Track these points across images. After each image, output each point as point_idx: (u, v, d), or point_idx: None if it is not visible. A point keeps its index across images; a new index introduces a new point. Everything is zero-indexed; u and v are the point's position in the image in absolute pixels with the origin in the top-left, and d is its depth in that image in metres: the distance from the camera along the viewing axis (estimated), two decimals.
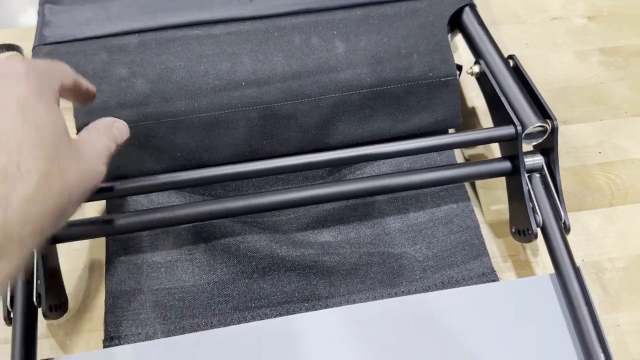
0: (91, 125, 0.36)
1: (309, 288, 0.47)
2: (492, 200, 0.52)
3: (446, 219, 0.50)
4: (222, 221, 0.49)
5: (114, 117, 0.42)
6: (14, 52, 0.62)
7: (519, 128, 0.45)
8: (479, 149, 0.56)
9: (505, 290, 0.44)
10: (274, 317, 0.45)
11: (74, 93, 0.36)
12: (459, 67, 0.52)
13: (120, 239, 0.48)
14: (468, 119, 0.58)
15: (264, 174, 0.46)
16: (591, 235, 0.51)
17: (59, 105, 0.32)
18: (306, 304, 0.46)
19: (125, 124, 0.38)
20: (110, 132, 0.36)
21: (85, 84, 0.36)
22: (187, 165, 0.49)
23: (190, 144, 0.48)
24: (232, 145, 0.49)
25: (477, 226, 0.50)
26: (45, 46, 0.51)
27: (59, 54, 0.50)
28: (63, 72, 0.34)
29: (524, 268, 0.49)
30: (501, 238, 0.50)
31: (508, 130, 0.45)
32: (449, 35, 0.55)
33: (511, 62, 0.49)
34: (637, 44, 0.64)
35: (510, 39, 0.64)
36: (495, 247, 0.50)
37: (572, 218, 0.51)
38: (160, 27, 0.51)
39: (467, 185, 0.53)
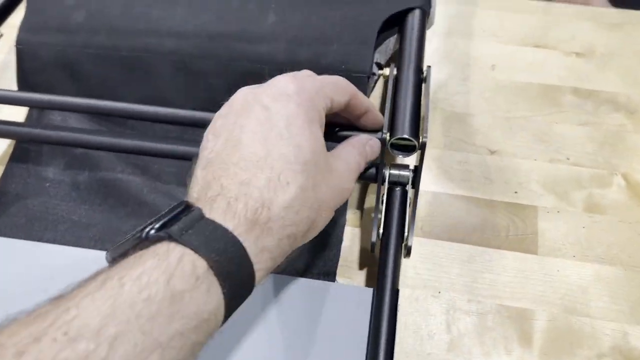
0: (346, 141, 0.39)
1: None
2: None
3: None
4: (112, 155, 0.52)
5: (50, 39, 0.46)
6: None
7: (387, 135, 0.43)
8: None
9: (324, 291, 0.43)
10: None
11: (347, 113, 0.39)
12: (380, 67, 0.51)
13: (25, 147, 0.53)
14: None
15: (171, 121, 0.48)
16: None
17: (323, 127, 0.35)
18: None
19: (379, 142, 0.40)
20: (364, 149, 0.39)
21: (364, 108, 0.40)
22: (100, 97, 0.52)
23: (107, 78, 0.52)
24: (145, 89, 0.52)
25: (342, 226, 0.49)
26: None
27: None
28: (335, 92, 0.37)
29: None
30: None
31: (377, 136, 0.44)
32: (396, 37, 0.54)
33: (423, 74, 0.47)
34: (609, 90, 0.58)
35: None
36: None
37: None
38: None
39: None
